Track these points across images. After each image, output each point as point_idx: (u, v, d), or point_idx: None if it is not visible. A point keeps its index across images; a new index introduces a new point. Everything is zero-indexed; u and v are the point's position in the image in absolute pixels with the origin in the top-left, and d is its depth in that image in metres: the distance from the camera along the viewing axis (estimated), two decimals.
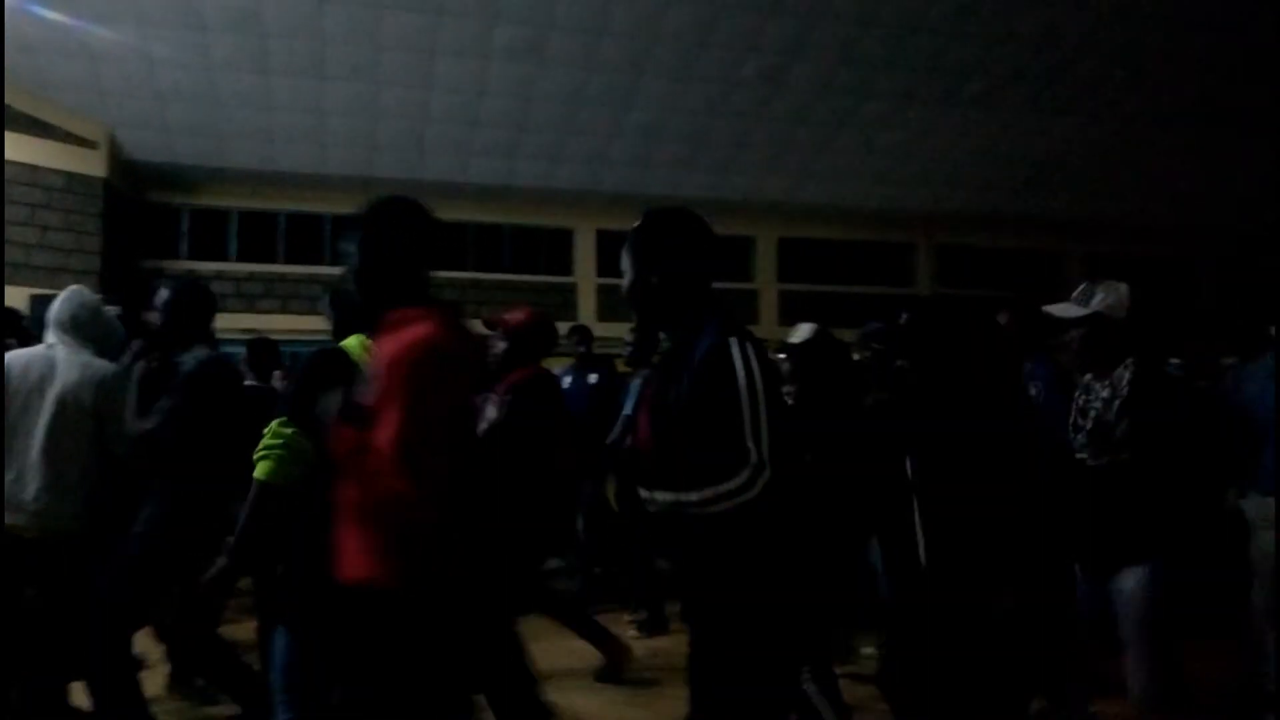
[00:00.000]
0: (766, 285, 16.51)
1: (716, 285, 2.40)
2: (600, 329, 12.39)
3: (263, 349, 5.44)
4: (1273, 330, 4.18)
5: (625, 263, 2.39)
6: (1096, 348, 3.15)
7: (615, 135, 14.15)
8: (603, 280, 15.91)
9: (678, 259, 2.34)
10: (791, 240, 16.71)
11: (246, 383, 4.90)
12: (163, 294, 3.76)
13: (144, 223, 14.23)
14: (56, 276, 12.20)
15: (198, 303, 3.79)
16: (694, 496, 2.10)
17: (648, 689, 4.55)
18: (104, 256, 12.77)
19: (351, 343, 2.89)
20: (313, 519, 2.36)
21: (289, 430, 2.68)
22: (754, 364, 2.14)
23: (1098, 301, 3.14)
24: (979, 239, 17.31)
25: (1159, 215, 16.16)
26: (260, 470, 2.70)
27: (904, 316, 3.44)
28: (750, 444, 2.06)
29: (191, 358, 3.56)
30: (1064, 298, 3.22)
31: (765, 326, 15.74)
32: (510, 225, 16.03)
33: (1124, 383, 3.08)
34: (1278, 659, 3.82)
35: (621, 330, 6.14)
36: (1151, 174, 15.26)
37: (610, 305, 15.07)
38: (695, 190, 14.57)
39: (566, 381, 6.46)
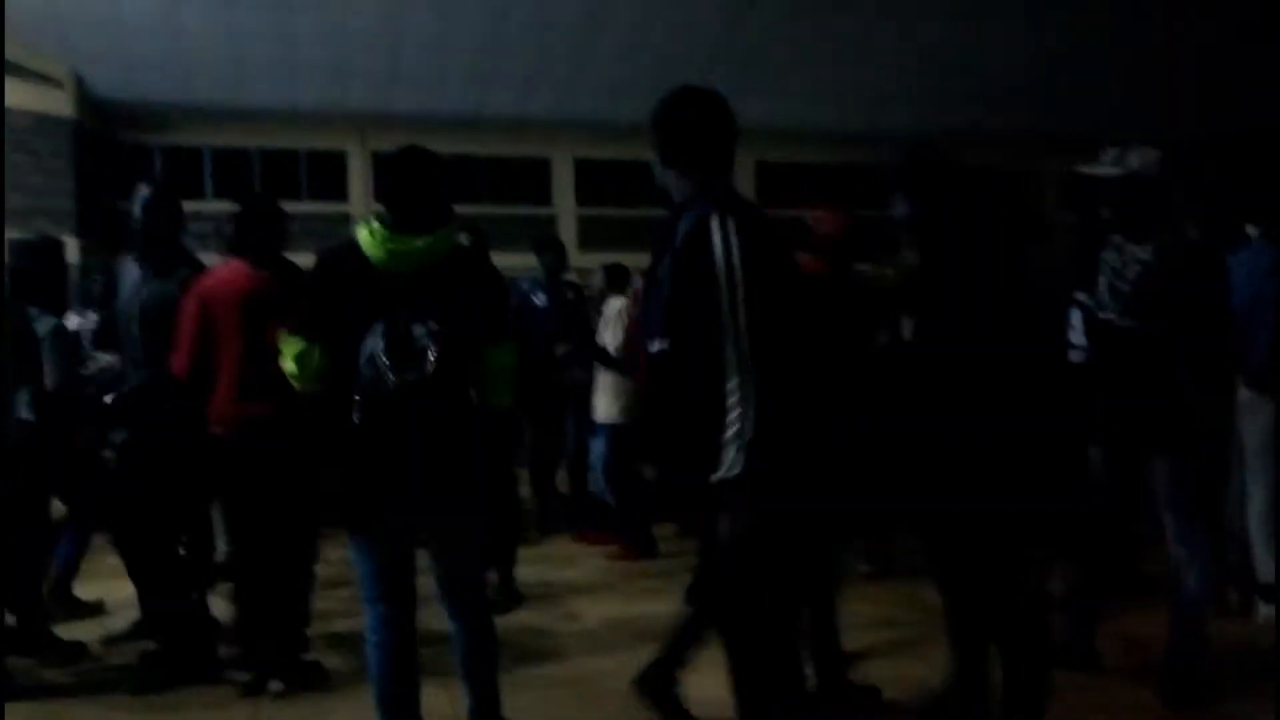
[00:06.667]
0: None
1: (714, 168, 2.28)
2: (580, 260, 12.40)
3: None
4: (1250, 229, 4.25)
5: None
6: (1129, 209, 3.19)
7: (588, 61, 13.96)
8: (583, 210, 15.85)
9: (679, 138, 2.29)
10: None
11: None
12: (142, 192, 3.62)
13: (116, 162, 14.02)
14: (30, 219, 12.06)
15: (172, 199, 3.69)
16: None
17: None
18: (77, 198, 12.62)
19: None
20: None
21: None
22: (733, 240, 2.10)
23: (1132, 161, 3.19)
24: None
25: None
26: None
27: None
28: (729, 345, 2.06)
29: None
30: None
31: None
32: (485, 156, 15.86)
33: (1169, 250, 3.13)
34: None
35: (602, 260, 6.09)
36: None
37: (591, 235, 15.05)
38: None
39: (541, 298, 6.08)
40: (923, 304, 2.73)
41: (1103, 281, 3.21)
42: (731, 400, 2.08)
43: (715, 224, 2.13)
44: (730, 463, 2.08)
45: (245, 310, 3.33)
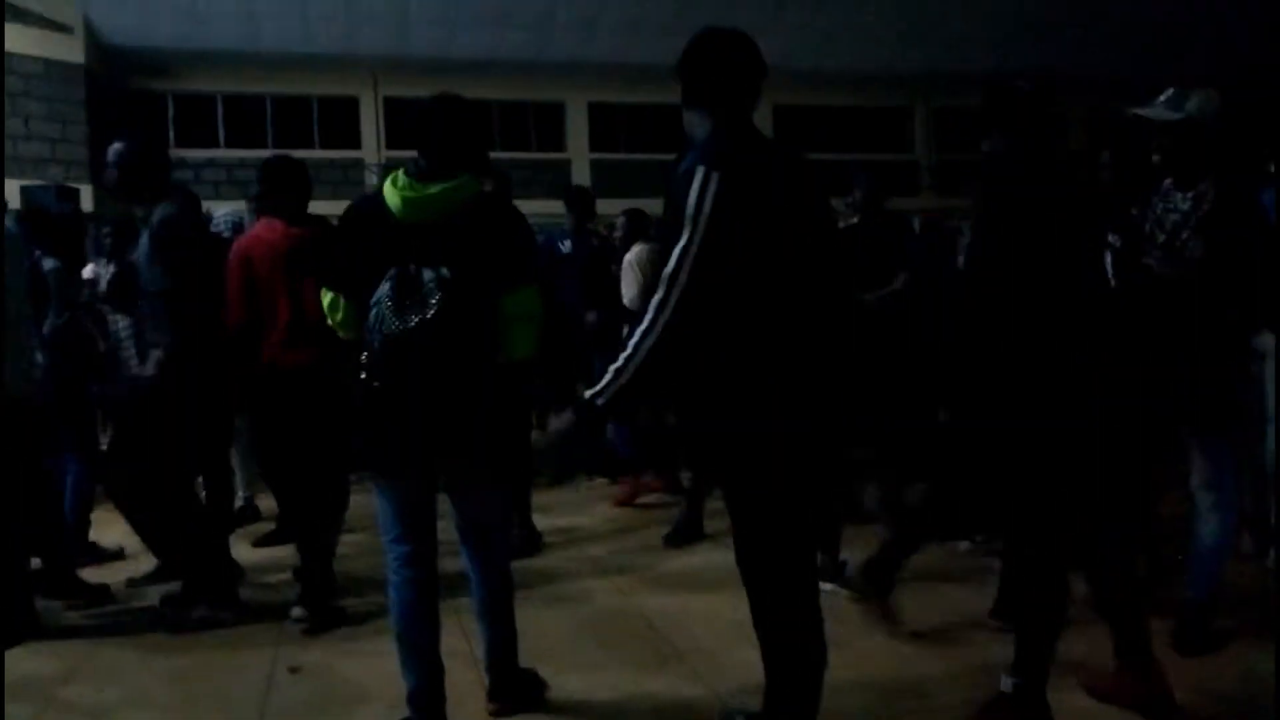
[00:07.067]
0: None
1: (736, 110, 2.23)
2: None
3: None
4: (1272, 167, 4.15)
5: None
6: (1184, 155, 3.02)
7: (603, 3, 13.72)
8: (596, 155, 15.68)
9: (701, 79, 2.26)
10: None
11: None
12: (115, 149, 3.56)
13: (129, 110, 13.95)
14: (44, 167, 12.08)
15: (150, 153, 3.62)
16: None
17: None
18: (91, 145, 12.59)
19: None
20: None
21: None
22: (709, 195, 2.05)
23: (1191, 106, 3.00)
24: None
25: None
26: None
27: None
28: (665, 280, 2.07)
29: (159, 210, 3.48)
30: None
31: None
32: (499, 100, 15.70)
33: (1207, 199, 2.97)
34: None
35: (616, 207, 6.04)
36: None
37: (605, 180, 14.92)
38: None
39: (567, 246, 6.07)
40: (988, 241, 2.62)
41: (1146, 228, 3.08)
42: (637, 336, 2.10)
43: (699, 176, 2.09)
44: (601, 386, 2.12)
45: (286, 266, 3.44)
